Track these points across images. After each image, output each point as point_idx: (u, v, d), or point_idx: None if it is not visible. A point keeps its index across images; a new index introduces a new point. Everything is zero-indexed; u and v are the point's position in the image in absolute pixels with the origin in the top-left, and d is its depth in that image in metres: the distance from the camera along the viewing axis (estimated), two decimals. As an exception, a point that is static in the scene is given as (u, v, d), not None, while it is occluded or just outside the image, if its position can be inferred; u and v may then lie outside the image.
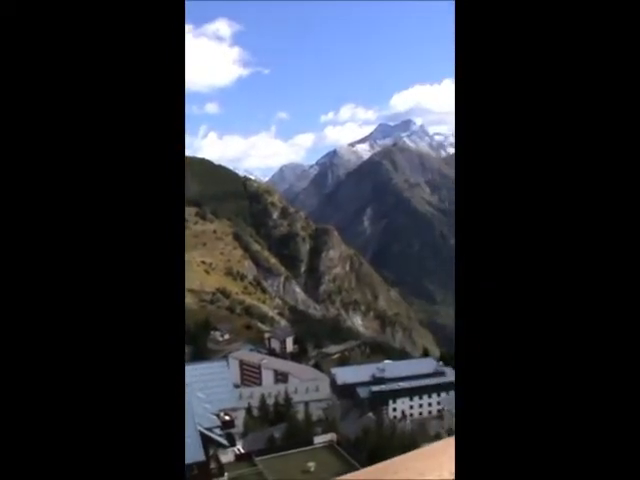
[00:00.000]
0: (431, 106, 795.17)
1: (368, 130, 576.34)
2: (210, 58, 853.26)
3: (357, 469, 1.23)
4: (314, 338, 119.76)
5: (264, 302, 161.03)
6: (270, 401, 61.97)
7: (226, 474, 36.17)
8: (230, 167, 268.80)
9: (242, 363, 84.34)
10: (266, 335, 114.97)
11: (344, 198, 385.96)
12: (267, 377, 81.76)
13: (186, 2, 1.44)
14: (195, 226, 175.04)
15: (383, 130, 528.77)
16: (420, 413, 68.28)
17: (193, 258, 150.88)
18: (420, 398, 69.43)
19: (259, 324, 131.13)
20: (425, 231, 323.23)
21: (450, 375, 72.84)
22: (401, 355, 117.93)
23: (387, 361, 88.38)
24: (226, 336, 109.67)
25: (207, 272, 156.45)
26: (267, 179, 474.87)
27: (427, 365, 77.61)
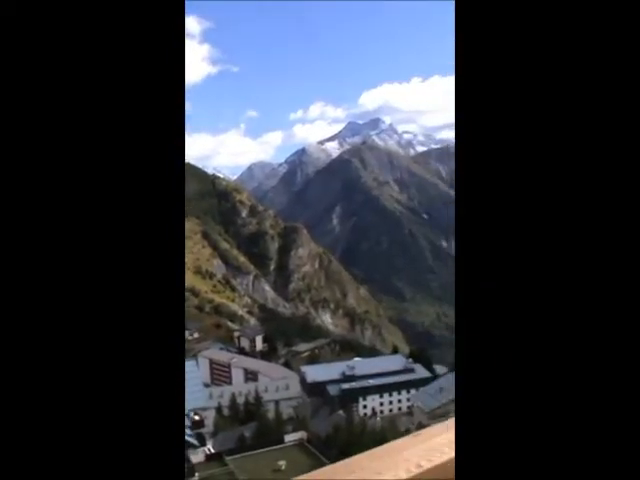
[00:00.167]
0: (400, 105, 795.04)
1: (337, 128, 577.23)
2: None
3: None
4: (284, 336, 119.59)
5: (233, 301, 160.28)
6: (240, 400, 61.67)
7: (196, 474, 35.95)
8: (199, 165, 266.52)
9: (212, 362, 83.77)
10: (235, 334, 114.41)
11: (313, 196, 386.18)
12: (237, 376, 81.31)
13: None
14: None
15: (352, 128, 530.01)
16: (390, 410, 68.70)
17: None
18: (390, 395, 69.85)
19: (228, 323, 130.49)
20: (394, 229, 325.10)
21: (419, 372, 73.54)
22: (371, 352, 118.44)
23: (357, 359, 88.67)
24: (195, 335, 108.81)
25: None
26: (236, 177, 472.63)
27: (397, 362, 78.03)
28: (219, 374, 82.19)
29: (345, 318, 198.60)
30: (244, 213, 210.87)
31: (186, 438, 23.67)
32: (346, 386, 68.74)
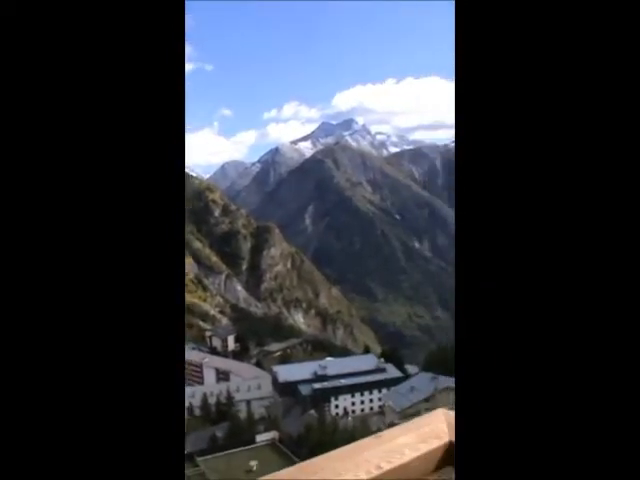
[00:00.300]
0: (373, 106, 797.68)
1: (311, 128, 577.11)
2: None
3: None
4: (256, 336, 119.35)
5: (205, 300, 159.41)
6: (212, 400, 61.51)
7: (167, 475, 35.71)
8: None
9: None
10: (207, 333, 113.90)
11: (286, 196, 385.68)
12: (209, 376, 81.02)
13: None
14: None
15: (325, 129, 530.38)
16: (362, 409, 68.92)
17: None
18: (362, 395, 70.07)
19: (200, 322, 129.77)
20: (366, 230, 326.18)
21: (391, 371, 73.97)
22: (342, 352, 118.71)
23: (329, 358, 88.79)
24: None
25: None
26: (209, 176, 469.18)
27: (368, 362, 78.32)
28: (191, 374, 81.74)
29: (317, 318, 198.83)
30: (217, 212, 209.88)
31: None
32: (318, 386, 68.82)
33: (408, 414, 50.97)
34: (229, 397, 61.66)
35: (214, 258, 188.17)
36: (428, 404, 53.71)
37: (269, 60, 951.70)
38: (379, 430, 1.37)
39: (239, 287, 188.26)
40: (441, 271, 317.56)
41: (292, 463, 1.31)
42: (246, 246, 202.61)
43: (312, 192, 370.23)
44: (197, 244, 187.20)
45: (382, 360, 79.05)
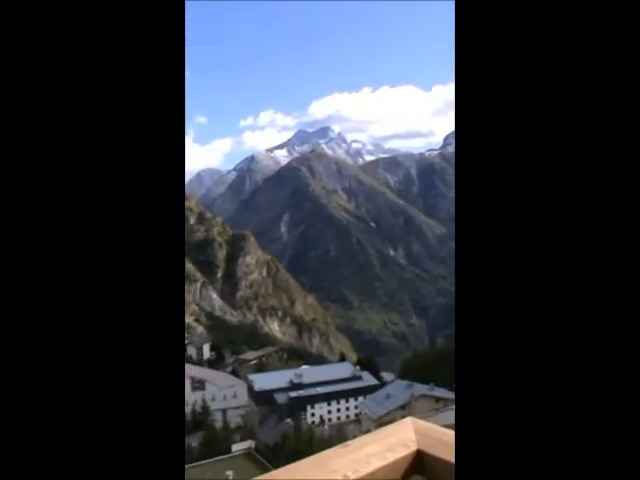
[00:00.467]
0: (349, 114, 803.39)
1: (287, 136, 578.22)
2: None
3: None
4: (231, 344, 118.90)
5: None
6: (187, 409, 60.92)
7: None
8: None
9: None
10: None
11: (261, 204, 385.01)
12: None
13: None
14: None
15: (301, 136, 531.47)
16: (338, 417, 68.91)
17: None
18: (338, 403, 70.07)
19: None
20: (341, 237, 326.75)
21: (367, 379, 74.11)
22: (318, 360, 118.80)
23: (304, 366, 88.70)
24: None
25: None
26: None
27: (344, 370, 78.38)
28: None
29: (293, 326, 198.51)
30: (192, 220, 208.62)
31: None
32: (294, 394, 68.67)
33: (384, 422, 51.07)
34: (205, 406, 61.19)
35: (189, 266, 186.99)
36: (404, 411, 53.91)
37: (245, 67, 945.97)
38: (355, 438, 1.45)
39: (214, 295, 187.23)
40: (416, 278, 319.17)
41: (268, 472, 1.33)
42: (221, 254, 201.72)
43: (287, 200, 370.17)
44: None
45: (358, 368, 79.15)
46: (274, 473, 1.30)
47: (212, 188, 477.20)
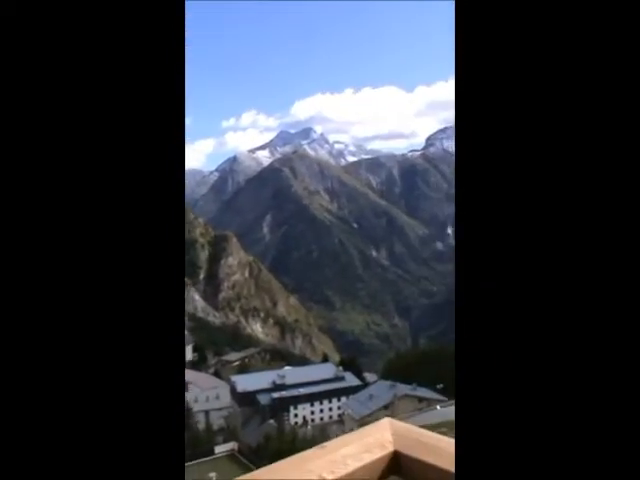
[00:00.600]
0: (332, 115, 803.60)
1: (269, 137, 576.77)
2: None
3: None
4: (214, 346, 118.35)
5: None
6: (169, 411, 60.49)
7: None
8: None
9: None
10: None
11: (244, 205, 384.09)
12: (166, 387, 79.73)
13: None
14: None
15: (284, 137, 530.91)
16: (321, 418, 68.99)
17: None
18: (321, 403, 70.15)
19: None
20: (324, 238, 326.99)
21: (350, 380, 74.21)
22: (301, 361, 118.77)
23: (287, 367, 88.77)
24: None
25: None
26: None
27: (327, 370, 78.46)
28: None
29: (275, 327, 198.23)
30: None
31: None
32: (277, 395, 68.66)
33: (368, 422, 50.79)
34: (187, 408, 60.86)
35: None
36: (387, 412, 54.05)
37: (227, 68, 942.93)
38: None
39: (197, 296, 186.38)
40: (398, 279, 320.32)
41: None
42: (204, 255, 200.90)
43: (270, 201, 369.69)
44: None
45: (341, 368, 79.26)
46: (251, 474, 1.30)
47: (194, 189, 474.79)
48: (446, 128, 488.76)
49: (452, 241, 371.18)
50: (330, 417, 69.03)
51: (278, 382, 71.92)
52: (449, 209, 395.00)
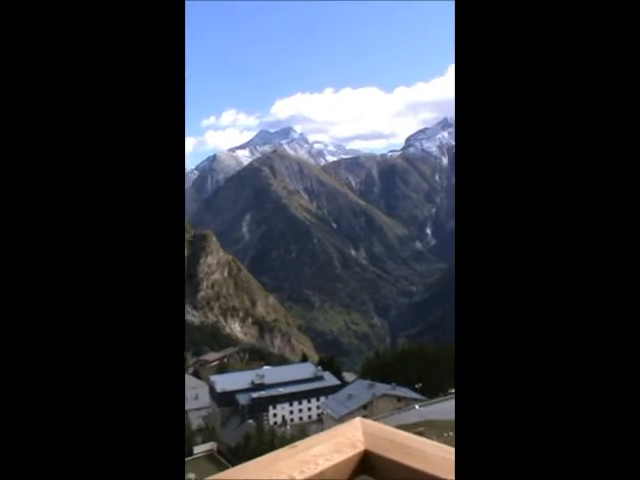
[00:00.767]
0: (312, 115, 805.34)
1: (249, 136, 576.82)
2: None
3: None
4: (193, 345, 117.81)
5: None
6: (148, 411, 60.16)
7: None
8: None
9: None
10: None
11: (223, 204, 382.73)
12: (144, 387, 79.28)
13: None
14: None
15: (263, 137, 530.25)
16: (300, 418, 69.03)
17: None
18: (300, 403, 70.19)
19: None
20: (303, 238, 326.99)
21: (329, 379, 74.37)
22: (280, 361, 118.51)
23: (266, 367, 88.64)
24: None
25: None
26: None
27: (306, 370, 78.55)
28: (125, 385, 79.87)
29: (254, 326, 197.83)
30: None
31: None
32: (256, 395, 68.57)
33: (347, 421, 51.30)
34: (166, 408, 60.53)
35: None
36: (366, 411, 54.36)
37: (208, 67, 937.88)
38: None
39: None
40: (377, 279, 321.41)
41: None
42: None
43: (249, 200, 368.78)
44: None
45: (320, 368, 79.43)
46: (222, 474, 1.30)
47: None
48: (426, 129, 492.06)
49: (431, 241, 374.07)
50: (309, 417, 69.13)
51: (257, 382, 71.85)
52: (428, 209, 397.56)
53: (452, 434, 38.55)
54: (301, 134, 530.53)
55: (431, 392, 62.00)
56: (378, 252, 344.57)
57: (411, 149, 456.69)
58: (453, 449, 1.31)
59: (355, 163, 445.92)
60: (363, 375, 76.11)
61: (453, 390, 60.80)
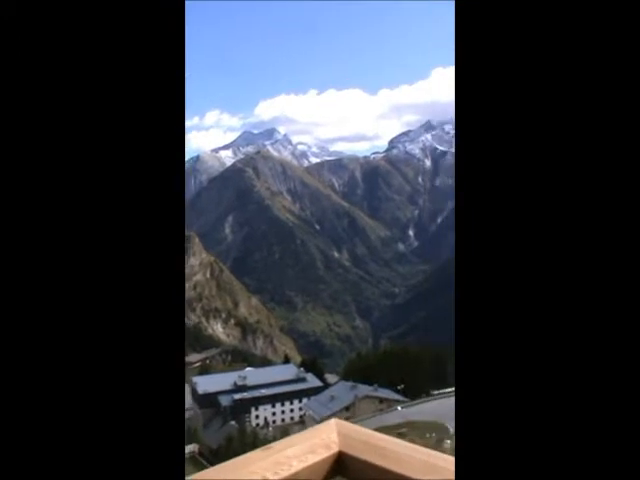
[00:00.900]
0: (296, 116, 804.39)
1: (232, 137, 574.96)
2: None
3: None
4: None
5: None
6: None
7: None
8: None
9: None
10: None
11: (206, 204, 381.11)
12: (125, 388, 78.77)
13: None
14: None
15: (247, 137, 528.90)
16: (282, 419, 68.97)
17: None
18: (282, 404, 70.12)
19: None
20: (286, 239, 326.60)
21: (311, 381, 74.38)
22: (262, 362, 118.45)
23: (248, 368, 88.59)
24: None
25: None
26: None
27: (288, 371, 78.57)
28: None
29: (237, 328, 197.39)
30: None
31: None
32: (238, 396, 68.42)
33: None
34: (147, 410, 60.21)
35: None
36: (348, 413, 54.42)
37: (191, 67, 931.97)
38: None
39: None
40: (360, 280, 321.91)
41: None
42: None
43: (232, 201, 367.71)
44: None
45: (302, 369, 79.42)
46: (196, 475, 1.30)
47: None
48: (409, 131, 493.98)
49: (413, 243, 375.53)
50: (291, 418, 69.09)
51: (239, 383, 71.73)
52: (411, 211, 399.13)
53: (434, 435, 38.72)
54: (285, 135, 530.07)
55: (413, 393, 62.20)
56: (361, 254, 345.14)
57: (394, 151, 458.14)
58: (426, 450, 1.32)
59: (338, 165, 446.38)
60: (345, 377, 76.15)
61: (435, 392, 61.15)
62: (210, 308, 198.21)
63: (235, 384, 71.76)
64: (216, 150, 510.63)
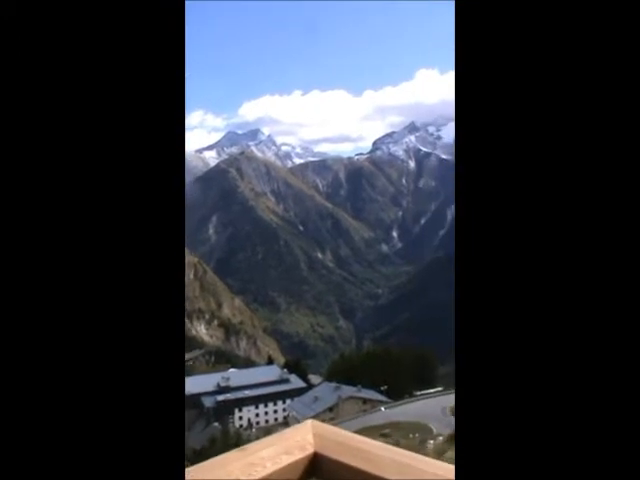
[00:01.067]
0: (280, 117, 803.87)
1: (216, 137, 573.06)
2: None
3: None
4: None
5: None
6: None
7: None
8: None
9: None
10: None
11: (190, 205, 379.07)
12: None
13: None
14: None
15: (231, 138, 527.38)
16: (266, 421, 68.92)
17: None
18: (265, 406, 70.11)
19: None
20: (269, 240, 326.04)
21: (295, 382, 74.37)
22: (246, 363, 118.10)
23: (232, 369, 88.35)
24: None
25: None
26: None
27: (272, 372, 78.61)
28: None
29: (220, 329, 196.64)
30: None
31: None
32: (221, 397, 68.30)
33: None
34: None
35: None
36: (332, 413, 54.49)
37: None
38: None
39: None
40: (343, 281, 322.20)
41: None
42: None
43: (216, 201, 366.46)
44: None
45: (285, 370, 79.47)
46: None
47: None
48: (393, 132, 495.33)
49: (397, 244, 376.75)
50: (275, 419, 69.04)
51: (223, 384, 71.59)
52: (394, 212, 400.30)
53: (418, 435, 38.86)
54: (269, 136, 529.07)
55: (397, 394, 62.44)
56: (344, 255, 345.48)
57: (378, 152, 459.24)
58: (401, 450, 1.33)
59: (322, 166, 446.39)
60: (329, 377, 76.27)
61: (418, 392, 61.40)
62: (193, 309, 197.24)
63: (218, 385, 71.60)
64: (200, 150, 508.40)
